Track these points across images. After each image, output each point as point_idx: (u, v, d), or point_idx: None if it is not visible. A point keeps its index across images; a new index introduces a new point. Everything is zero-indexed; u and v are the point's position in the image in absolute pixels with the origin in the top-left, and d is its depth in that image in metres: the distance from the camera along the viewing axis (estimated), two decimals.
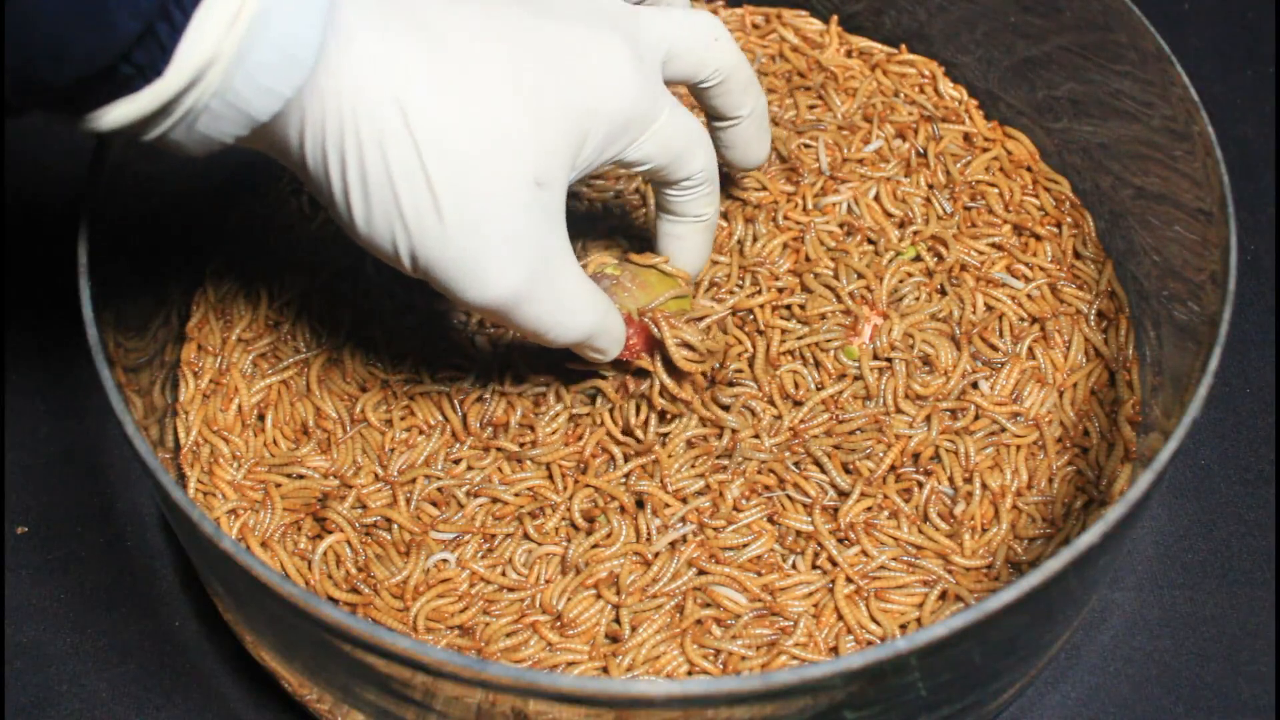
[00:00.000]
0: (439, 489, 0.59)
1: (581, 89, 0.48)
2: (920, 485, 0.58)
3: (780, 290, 0.64)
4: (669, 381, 0.58)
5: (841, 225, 0.66)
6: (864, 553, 0.56)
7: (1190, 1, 0.83)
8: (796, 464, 0.59)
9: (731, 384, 0.61)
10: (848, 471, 0.58)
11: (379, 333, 0.63)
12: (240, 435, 0.61)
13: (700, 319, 0.59)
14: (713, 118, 0.59)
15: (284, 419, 0.61)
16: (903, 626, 0.55)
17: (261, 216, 0.68)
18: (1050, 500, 0.58)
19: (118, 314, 0.54)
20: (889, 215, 0.66)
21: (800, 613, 0.55)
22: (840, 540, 0.57)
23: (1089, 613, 0.60)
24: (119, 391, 0.47)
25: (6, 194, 0.73)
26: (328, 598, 0.56)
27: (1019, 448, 0.59)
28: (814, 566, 0.56)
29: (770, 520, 0.57)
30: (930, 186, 0.68)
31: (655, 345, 0.57)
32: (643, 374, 0.58)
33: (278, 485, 0.59)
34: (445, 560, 0.57)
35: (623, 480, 0.58)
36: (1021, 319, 0.63)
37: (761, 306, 0.62)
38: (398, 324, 0.63)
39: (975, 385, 0.61)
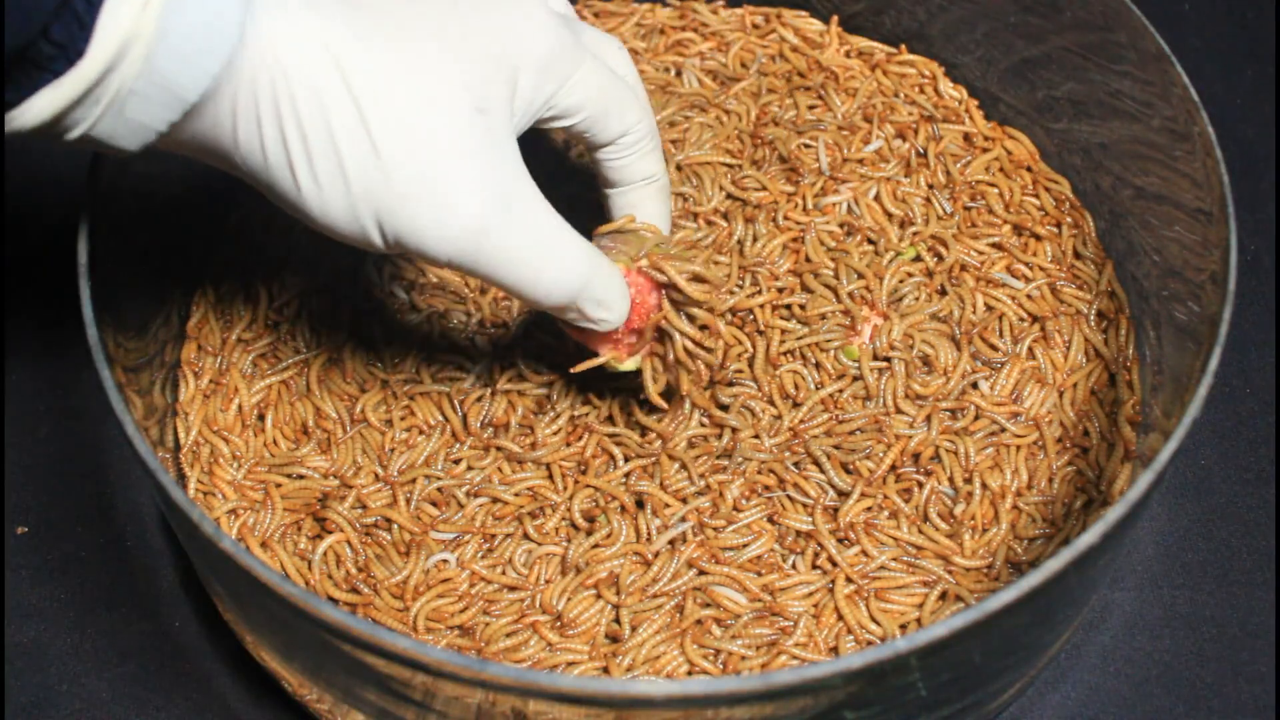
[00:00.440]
0: (439, 489, 0.59)
1: (505, 33, 0.49)
2: (920, 485, 0.58)
3: (780, 290, 0.64)
4: (692, 330, 0.54)
5: (841, 225, 0.66)
6: (864, 553, 0.56)
7: (1190, 1, 0.83)
8: (796, 464, 0.59)
9: (731, 384, 0.61)
10: (848, 471, 0.58)
11: (379, 333, 0.63)
12: (240, 435, 0.61)
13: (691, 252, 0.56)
14: (617, 186, 0.57)
15: (284, 419, 0.61)
16: (903, 626, 0.55)
17: (261, 216, 0.68)
18: (1050, 500, 0.58)
19: (118, 314, 0.54)
20: (889, 215, 0.66)
21: (800, 613, 0.55)
22: (840, 540, 0.57)
23: (1089, 613, 0.60)
24: (119, 391, 0.47)
25: (6, 194, 0.73)
26: (328, 598, 0.56)
27: (1019, 448, 0.59)
28: (814, 566, 0.56)
29: (770, 520, 0.57)
30: (930, 186, 0.68)
31: (661, 298, 0.55)
32: (663, 336, 0.55)
33: (278, 485, 0.59)
34: (445, 560, 0.57)
35: (623, 480, 0.58)
36: (1021, 319, 0.63)
37: (761, 306, 0.62)
38: (398, 324, 0.63)
39: (975, 385, 0.61)
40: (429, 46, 0.46)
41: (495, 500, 0.58)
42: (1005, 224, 0.66)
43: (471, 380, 0.61)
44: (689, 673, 0.54)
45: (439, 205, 0.46)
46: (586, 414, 0.60)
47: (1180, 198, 0.57)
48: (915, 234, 0.65)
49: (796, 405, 0.60)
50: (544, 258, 0.49)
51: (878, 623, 0.55)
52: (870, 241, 0.65)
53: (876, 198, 0.67)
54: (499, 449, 0.59)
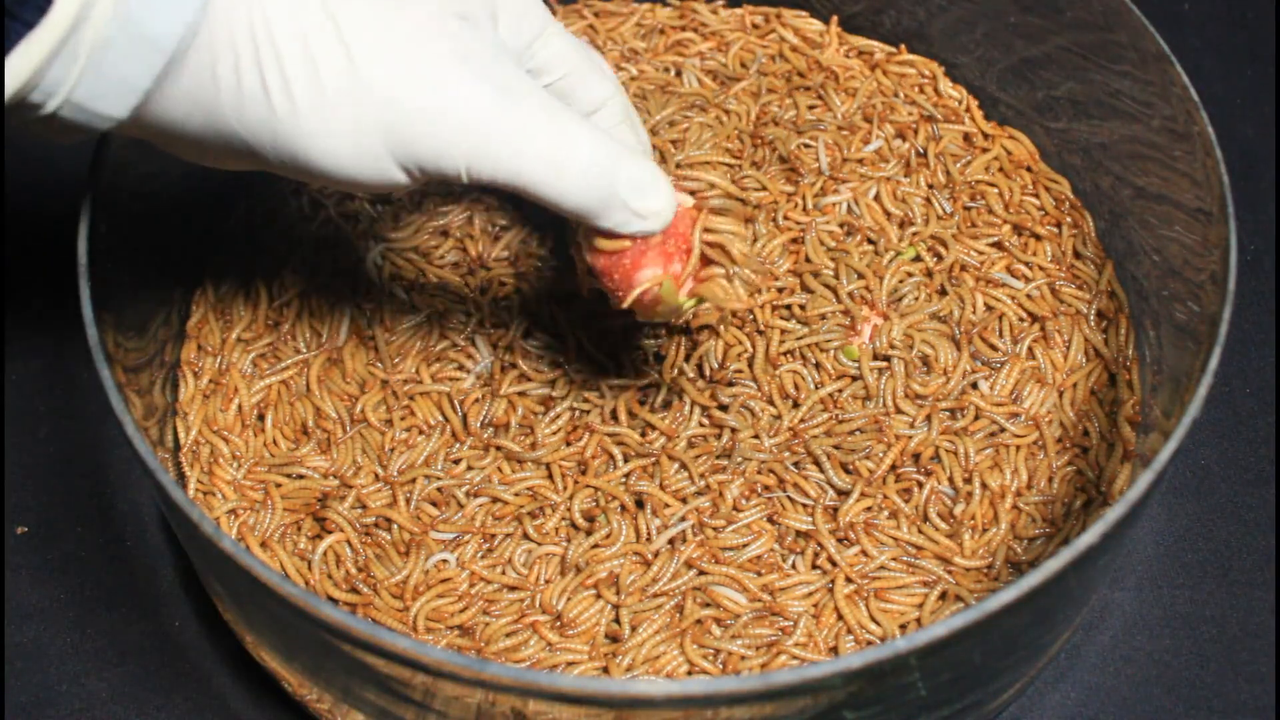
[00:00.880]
0: (439, 489, 0.59)
1: None
2: (920, 485, 0.58)
3: (780, 290, 0.63)
4: (738, 229, 0.51)
5: (841, 225, 0.66)
6: (864, 553, 0.56)
7: (1190, 1, 0.83)
8: (796, 464, 0.59)
9: (731, 384, 0.61)
10: (847, 471, 0.58)
11: (379, 333, 0.63)
12: (240, 435, 0.61)
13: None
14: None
15: (284, 419, 0.61)
16: (903, 626, 0.55)
17: (261, 216, 0.68)
18: (1050, 500, 0.58)
19: (118, 314, 0.54)
20: (889, 215, 0.66)
21: (800, 613, 0.55)
22: (840, 540, 0.57)
23: (1089, 613, 0.60)
24: (119, 391, 0.47)
25: (6, 194, 0.73)
26: (328, 598, 0.56)
27: (1019, 448, 0.59)
28: (814, 566, 0.56)
29: (770, 520, 0.57)
30: (930, 186, 0.68)
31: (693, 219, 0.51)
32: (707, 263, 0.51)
33: (278, 485, 0.59)
34: (445, 560, 0.57)
35: (623, 480, 0.58)
36: (1021, 319, 0.63)
37: (761, 306, 0.62)
38: (398, 324, 0.63)
39: (975, 385, 0.61)
40: None
41: (495, 500, 0.58)
42: (1005, 224, 0.66)
43: (471, 380, 0.61)
44: (689, 673, 0.54)
45: (440, 108, 0.45)
46: (587, 412, 0.60)
47: (1180, 198, 0.57)
48: (915, 234, 0.65)
49: (796, 405, 0.60)
50: (564, 146, 0.46)
51: (878, 623, 0.55)
52: (870, 241, 0.65)
53: (876, 198, 0.67)
54: (499, 449, 0.59)
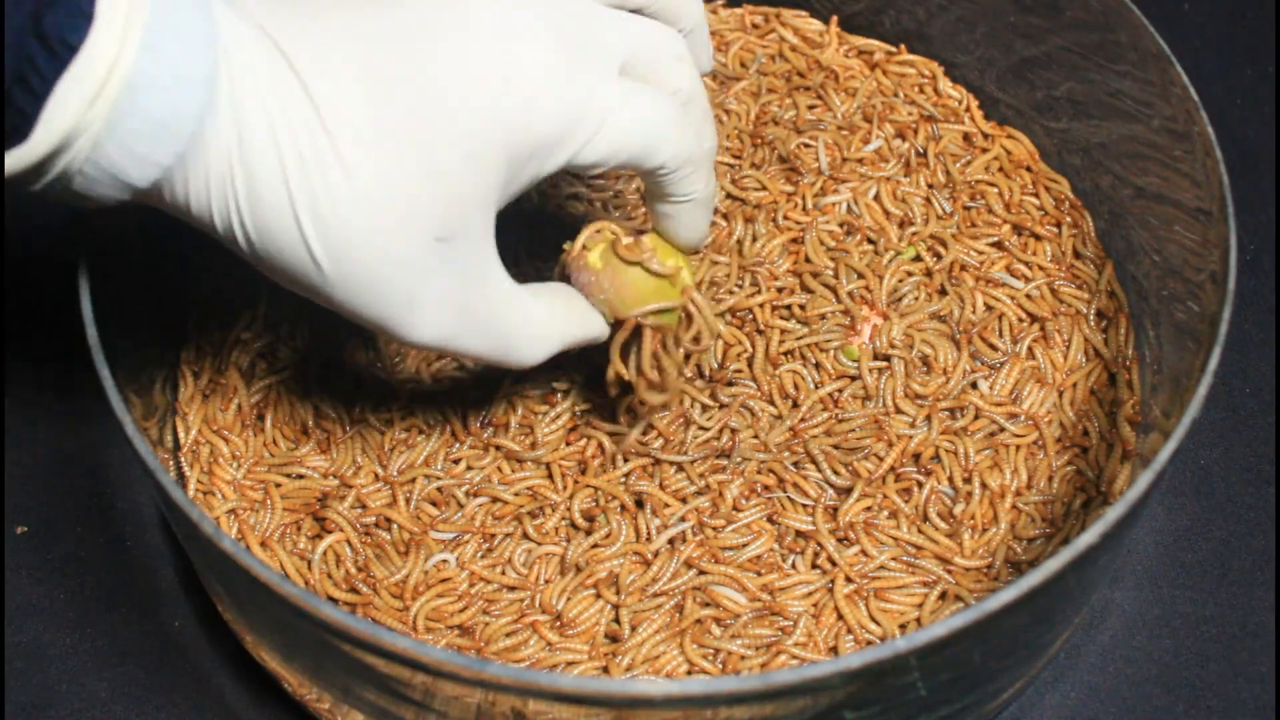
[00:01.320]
0: (439, 489, 0.59)
1: (498, 127, 0.45)
2: (920, 485, 0.58)
3: (780, 290, 0.64)
4: (647, 393, 0.55)
5: (841, 225, 0.66)
6: (864, 553, 0.56)
7: (1190, 1, 0.83)
8: (796, 464, 0.59)
9: (731, 384, 0.61)
10: (847, 471, 0.58)
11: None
12: (240, 435, 0.61)
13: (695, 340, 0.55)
14: (653, 197, 0.53)
15: (284, 419, 0.61)
16: (902, 626, 0.55)
17: None
18: (1050, 500, 0.58)
19: (118, 314, 0.54)
20: (889, 215, 0.66)
21: (800, 612, 0.55)
22: (840, 540, 0.57)
23: (1089, 613, 0.60)
24: (119, 391, 0.47)
25: (6, 194, 0.73)
26: (327, 598, 0.56)
27: (1018, 448, 0.59)
28: (814, 566, 0.56)
29: (770, 520, 0.57)
30: (930, 186, 0.68)
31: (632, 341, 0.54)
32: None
33: (277, 485, 0.59)
34: (445, 560, 0.57)
35: (623, 480, 0.58)
36: (1021, 319, 0.63)
37: (761, 306, 0.62)
38: None
39: (975, 385, 0.61)
40: (389, 158, 0.43)
41: (495, 500, 0.58)
42: (1005, 224, 0.66)
43: (471, 380, 0.61)
44: (689, 672, 0.54)
45: (396, 329, 0.46)
46: (587, 411, 0.60)
47: (1180, 198, 0.57)
48: (915, 234, 0.65)
49: (796, 405, 0.60)
50: (516, 340, 0.50)
51: (877, 622, 0.55)
52: (870, 241, 0.65)
53: (876, 197, 0.67)
54: (499, 448, 0.59)
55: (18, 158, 0.39)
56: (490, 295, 0.48)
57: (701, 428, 0.59)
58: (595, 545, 0.57)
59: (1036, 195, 0.68)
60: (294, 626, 0.46)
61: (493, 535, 0.57)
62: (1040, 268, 0.65)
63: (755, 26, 0.75)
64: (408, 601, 0.56)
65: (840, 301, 0.63)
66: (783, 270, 0.64)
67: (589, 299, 0.53)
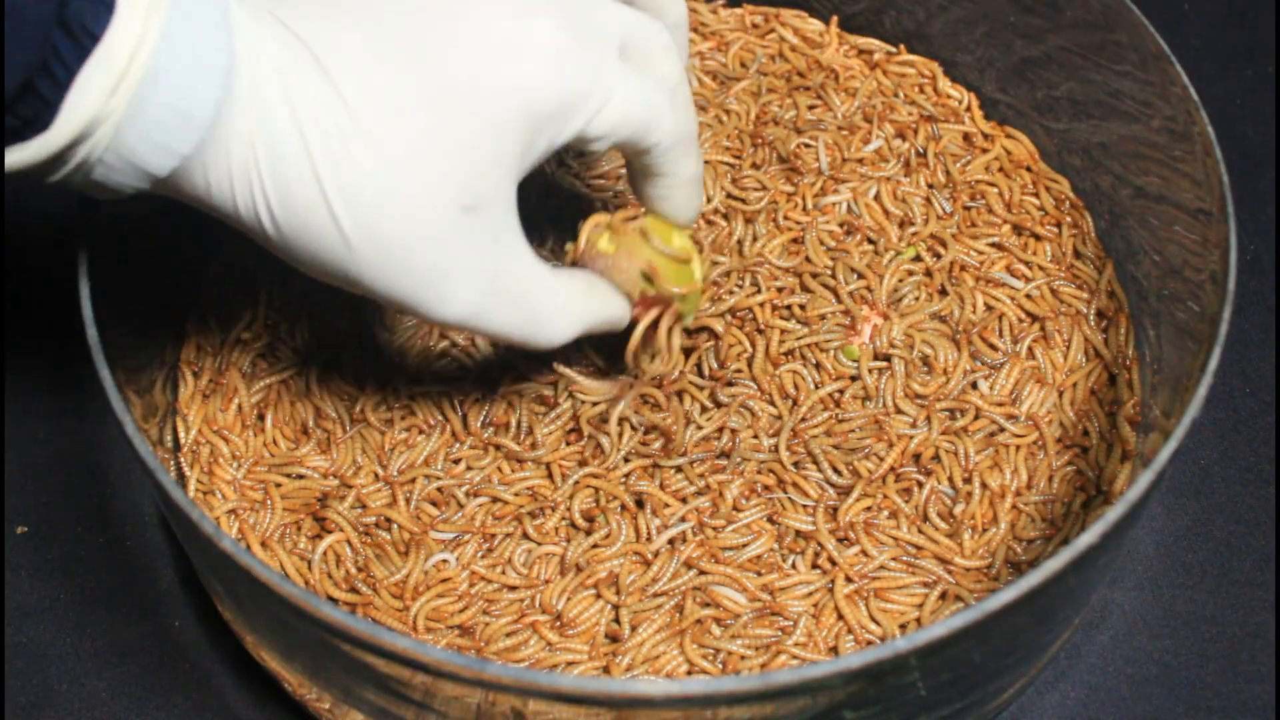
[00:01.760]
0: (439, 489, 0.59)
1: (508, 96, 0.45)
2: (920, 485, 0.58)
3: (780, 290, 0.63)
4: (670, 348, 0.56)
5: (841, 225, 0.66)
6: (864, 553, 0.56)
7: (1190, 1, 0.83)
8: (796, 464, 0.59)
9: (731, 384, 0.61)
10: (848, 471, 0.58)
11: (379, 333, 0.63)
12: (240, 435, 0.61)
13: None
14: (647, 179, 0.54)
15: (284, 419, 0.61)
16: (902, 626, 0.55)
17: None
18: (1050, 500, 0.58)
19: (118, 314, 0.54)
20: (889, 215, 0.66)
21: (800, 612, 0.55)
22: (840, 540, 0.57)
23: (1089, 613, 0.60)
24: (119, 391, 0.47)
25: (6, 193, 0.73)
26: (327, 598, 0.56)
27: (1018, 448, 0.59)
28: (814, 566, 0.56)
29: (770, 520, 0.57)
30: (930, 186, 0.68)
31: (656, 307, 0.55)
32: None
33: (278, 485, 0.59)
34: (445, 560, 0.57)
35: (623, 480, 0.58)
36: (1021, 319, 0.63)
37: (761, 306, 0.62)
38: (398, 323, 0.63)
39: (975, 385, 0.61)
40: (410, 130, 0.44)
41: (495, 500, 0.58)
42: (1005, 224, 0.66)
43: (471, 380, 0.61)
44: (689, 672, 0.54)
45: (424, 304, 0.47)
46: (587, 410, 0.60)
47: (1180, 198, 0.57)
48: (915, 234, 0.65)
49: (796, 405, 0.60)
50: (542, 315, 0.50)
51: (877, 622, 0.55)
52: (870, 241, 0.65)
53: (876, 197, 0.67)
54: (499, 448, 0.59)
55: (39, 147, 0.40)
56: (516, 268, 0.49)
57: (700, 428, 0.59)
58: (595, 545, 0.57)
59: (1036, 195, 0.68)
60: (294, 626, 0.46)
61: (493, 535, 0.57)
62: (1040, 268, 0.65)
63: (755, 26, 0.75)
64: (408, 601, 0.56)
65: (840, 301, 0.63)
66: (783, 270, 0.64)
67: (610, 282, 0.54)
